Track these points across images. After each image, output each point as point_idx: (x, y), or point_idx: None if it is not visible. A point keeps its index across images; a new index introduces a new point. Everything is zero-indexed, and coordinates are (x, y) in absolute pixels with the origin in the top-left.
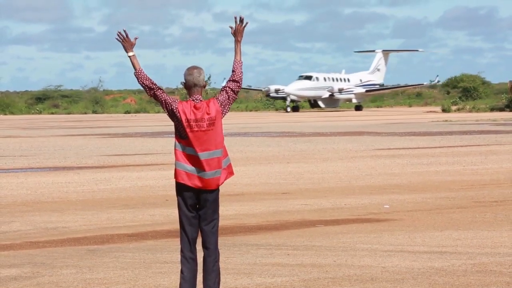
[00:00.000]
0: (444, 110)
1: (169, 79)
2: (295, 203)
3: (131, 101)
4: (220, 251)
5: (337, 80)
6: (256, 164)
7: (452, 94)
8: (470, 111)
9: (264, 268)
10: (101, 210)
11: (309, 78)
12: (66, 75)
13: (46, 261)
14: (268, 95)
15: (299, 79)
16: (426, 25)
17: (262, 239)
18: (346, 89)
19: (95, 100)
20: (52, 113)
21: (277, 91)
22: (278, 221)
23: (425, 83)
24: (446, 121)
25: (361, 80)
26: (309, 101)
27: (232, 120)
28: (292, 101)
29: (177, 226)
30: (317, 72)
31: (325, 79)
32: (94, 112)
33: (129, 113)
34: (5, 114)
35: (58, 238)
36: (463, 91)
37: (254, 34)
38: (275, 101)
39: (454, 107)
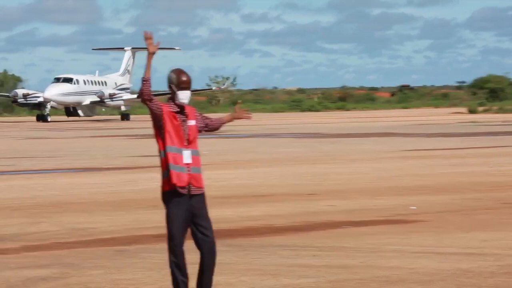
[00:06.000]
0: (471, 111)
1: (197, 80)
2: (322, 204)
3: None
4: (246, 252)
5: (96, 83)
6: (283, 165)
7: (479, 95)
8: (497, 112)
9: (290, 269)
10: (128, 211)
11: (69, 80)
12: None
13: (75, 261)
14: (15, 101)
15: (55, 81)
16: (454, 26)
17: (288, 240)
18: (117, 94)
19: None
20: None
21: (25, 96)
22: (305, 222)
23: (214, 88)
24: (473, 122)
25: (116, 84)
26: (67, 108)
27: (259, 121)
28: (51, 108)
29: None
30: (74, 74)
31: (84, 82)
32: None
33: None
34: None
35: (86, 239)
36: (490, 92)
37: (281, 35)
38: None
39: (480, 108)
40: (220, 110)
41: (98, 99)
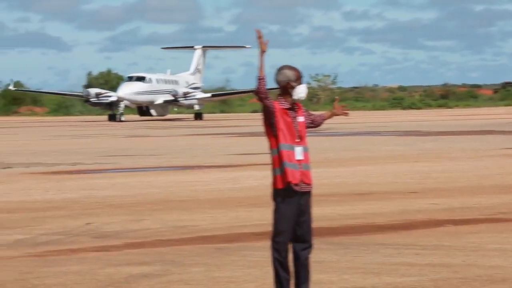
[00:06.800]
0: None
1: None
2: (423, 202)
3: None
4: (348, 250)
5: (168, 82)
6: (384, 163)
7: None
8: None
9: (392, 268)
10: (229, 208)
11: (142, 79)
12: None
13: (176, 259)
14: (87, 101)
15: (129, 80)
16: None
17: (390, 239)
18: (191, 93)
19: (222, 99)
20: (179, 113)
21: (98, 95)
22: (406, 220)
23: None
24: None
25: (187, 83)
26: (140, 107)
27: (359, 119)
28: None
29: None
30: (147, 73)
31: (157, 81)
32: (222, 111)
33: (256, 112)
34: (134, 114)
35: (187, 237)
36: None
37: (382, 33)
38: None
39: None
40: (321, 108)
41: (172, 98)
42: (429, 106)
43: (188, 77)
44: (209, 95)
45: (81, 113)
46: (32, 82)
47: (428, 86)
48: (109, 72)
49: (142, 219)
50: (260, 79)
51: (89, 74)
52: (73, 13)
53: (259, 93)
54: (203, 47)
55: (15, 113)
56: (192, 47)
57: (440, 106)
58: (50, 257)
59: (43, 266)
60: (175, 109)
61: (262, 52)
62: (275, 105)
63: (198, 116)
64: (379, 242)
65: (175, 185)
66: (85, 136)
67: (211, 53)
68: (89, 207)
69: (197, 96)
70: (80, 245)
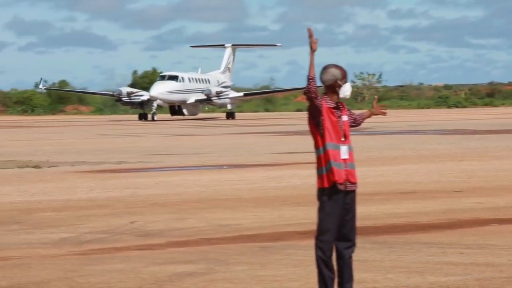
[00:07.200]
0: None
1: None
2: (468, 201)
3: (302, 99)
4: (392, 249)
5: (200, 81)
6: (428, 162)
7: None
8: None
9: (436, 267)
10: (273, 207)
11: (174, 78)
12: (239, 74)
13: (220, 257)
14: (119, 100)
15: (161, 79)
16: None
17: (434, 238)
18: (224, 92)
19: (267, 98)
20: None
21: (129, 94)
22: (451, 219)
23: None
24: None
25: (218, 81)
26: (172, 107)
27: (403, 118)
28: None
29: None
30: (179, 72)
31: (189, 79)
32: (266, 110)
33: (300, 111)
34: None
35: (231, 235)
36: None
37: (427, 31)
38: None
39: None
40: (366, 107)
41: (204, 97)
42: (474, 104)
43: (219, 75)
44: (241, 94)
45: (125, 112)
46: (78, 81)
47: (474, 84)
48: (154, 71)
49: (186, 217)
50: (311, 79)
51: (134, 73)
52: (119, 12)
53: (309, 92)
54: (233, 45)
55: (61, 112)
56: (223, 45)
57: (485, 104)
58: (95, 256)
59: (87, 265)
60: (206, 108)
61: (313, 51)
62: (323, 104)
63: (230, 115)
64: (423, 241)
65: (219, 184)
66: (129, 135)
67: (255, 52)
68: (133, 206)
69: (230, 95)
70: (124, 244)
